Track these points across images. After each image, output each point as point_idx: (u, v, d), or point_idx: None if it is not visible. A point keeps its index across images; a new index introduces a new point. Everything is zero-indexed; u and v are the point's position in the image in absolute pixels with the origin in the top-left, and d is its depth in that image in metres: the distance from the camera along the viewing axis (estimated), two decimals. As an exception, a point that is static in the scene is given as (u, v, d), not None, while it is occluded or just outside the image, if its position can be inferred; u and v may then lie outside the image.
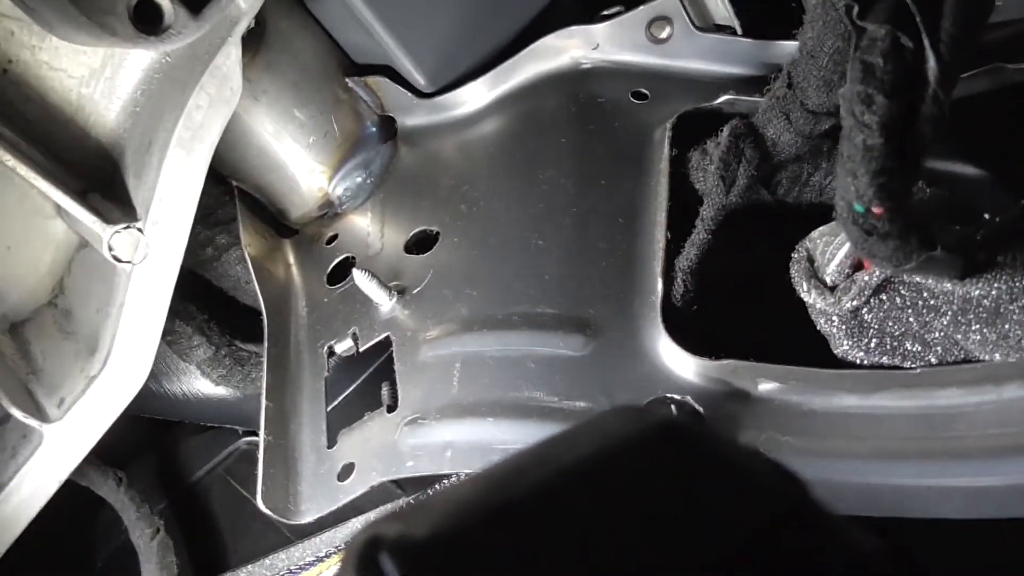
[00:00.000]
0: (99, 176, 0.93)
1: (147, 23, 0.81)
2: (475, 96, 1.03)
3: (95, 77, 0.90)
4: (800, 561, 0.25)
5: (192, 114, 0.85)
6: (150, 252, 0.86)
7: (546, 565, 0.24)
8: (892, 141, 0.47)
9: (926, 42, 0.45)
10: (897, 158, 0.47)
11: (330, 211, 1.10)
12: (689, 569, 0.24)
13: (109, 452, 1.14)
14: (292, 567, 0.96)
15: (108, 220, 0.86)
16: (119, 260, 0.85)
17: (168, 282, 0.88)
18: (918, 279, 0.63)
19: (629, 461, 0.28)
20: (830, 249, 0.67)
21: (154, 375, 0.93)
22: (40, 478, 0.90)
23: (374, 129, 1.11)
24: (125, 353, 0.87)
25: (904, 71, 0.45)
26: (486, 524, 0.25)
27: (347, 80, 1.07)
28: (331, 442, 0.88)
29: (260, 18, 0.96)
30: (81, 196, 0.88)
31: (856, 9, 0.50)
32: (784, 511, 0.27)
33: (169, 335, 1.04)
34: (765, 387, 0.71)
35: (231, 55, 0.85)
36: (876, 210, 0.49)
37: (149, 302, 0.87)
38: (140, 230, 0.85)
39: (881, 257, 0.53)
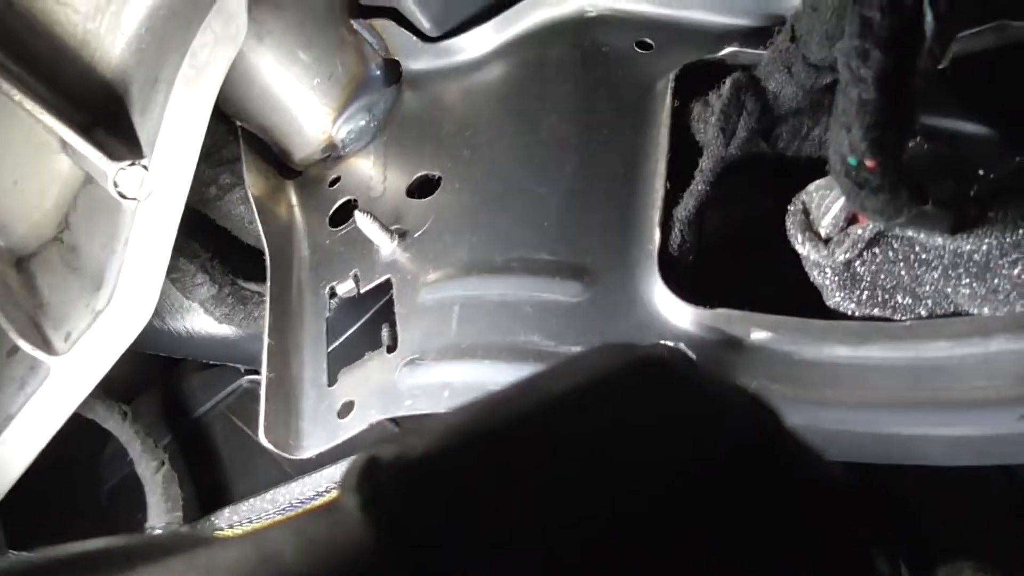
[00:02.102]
0: (104, 112, 0.93)
1: (151, -41, 0.81)
2: (480, 41, 1.03)
3: (100, 12, 0.90)
4: (772, 487, 0.27)
5: (197, 52, 0.86)
6: (155, 189, 0.87)
7: (525, 484, 0.25)
8: (887, 95, 0.47)
9: (924, -3, 0.45)
10: (891, 112, 0.48)
11: (333, 153, 1.10)
12: (661, 492, 0.26)
13: (114, 387, 1.17)
14: (294, 501, 0.98)
15: (113, 156, 0.87)
16: (124, 197, 0.86)
17: (173, 219, 0.89)
18: (910, 233, 0.64)
19: (611, 391, 0.29)
20: (826, 202, 0.68)
21: (158, 312, 0.94)
22: (48, 410, 0.92)
23: (379, 72, 1.11)
24: (131, 289, 0.89)
25: (901, 26, 0.46)
26: (475, 447, 0.26)
27: (352, 22, 1.06)
28: (331, 380, 0.90)
29: (266, -43, 0.95)
30: (86, 132, 0.89)
31: (858, -38, 0.50)
32: (759, 440, 0.28)
33: (173, 273, 1.06)
34: (757, 336, 0.72)
35: (237, -6, 0.85)
36: (869, 163, 0.50)
37: (154, 239, 0.88)
38: (145, 167, 0.86)
39: (872, 210, 0.54)
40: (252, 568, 0.24)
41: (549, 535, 0.24)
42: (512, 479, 0.25)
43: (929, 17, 0.45)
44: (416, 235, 0.93)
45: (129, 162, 0.85)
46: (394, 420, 0.90)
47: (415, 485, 0.25)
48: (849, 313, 0.72)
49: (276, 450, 0.86)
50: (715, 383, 0.30)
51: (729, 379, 0.31)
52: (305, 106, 1.07)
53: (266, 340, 0.93)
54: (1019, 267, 0.61)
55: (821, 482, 0.28)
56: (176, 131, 0.86)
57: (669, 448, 0.27)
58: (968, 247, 0.62)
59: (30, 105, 0.84)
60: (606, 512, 0.24)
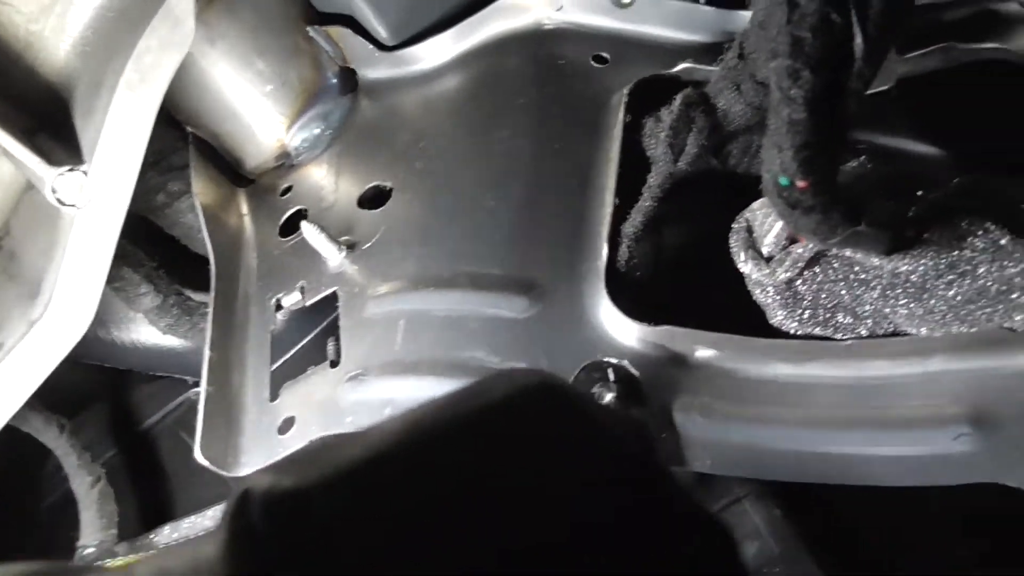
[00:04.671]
0: (48, 116, 0.91)
1: (97, -39, 0.80)
2: (438, 51, 1.02)
3: (45, 13, 0.88)
4: (638, 520, 0.26)
5: (142, 56, 0.84)
6: (95, 196, 0.85)
7: (393, 521, 0.25)
8: (816, 116, 0.47)
9: (854, 19, 0.45)
10: (822, 133, 0.48)
11: (286, 162, 1.09)
12: (537, 523, 0.25)
13: (60, 399, 1.14)
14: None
15: (54, 162, 0.84)
16: (63, 203, 0.84)
17: (113, 228, 0.87)
18: (849, 253, 0.64)
19: (498, 417, 0.29)
20: (768, 220, 0.68)
21: (101, 322, 0.92)
22: (-20, 421, 0.89)
23: (334, 80, 1.10)
24: (67, 298, 0.87)
25: (832, 47, 0.46)
26: (346, 480, 0.26)
27: (308, 29, 1.05)
28: (274, 395, 0.89)
29: (219, -38, 0.94)
30: (28, 136, 0.86)
31: (793, -19, 0.50)
32: (631, 473, 0.28)
33: (116, 282, 1.03)
34: (702, 354, 0.72)
35: (184, -2, 0.84)
36: (800, 183, 0.50)
37: (93, 247, 0.86)
38: (85, 173, 0.84)
39: (806, 230, 0.54)
40: None
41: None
42: (378, 515, 0.25)
43: (859, 39, 0.45)
44: (365, 247, 0.92)
45: (68, 168, 0.83)
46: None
47: (282, 517, 0.24)
48: (791, 332, 0.72)
49: (213, 467, 0.84)
50: (604, 412, 0.30)
51: (620, 411, 0.30)
52: (258, 113, 1.06)
53: (207, 352, 0.91)
54: (954, 288, 0.61)
55: (698, 516, 0.27)
56: (118, 136, 0.85)
57: (549, 477, 0.27)
58: (905, 268, 0.62)
59: (-32, 109, 0.82)
60: (473, 553, 0.24)
